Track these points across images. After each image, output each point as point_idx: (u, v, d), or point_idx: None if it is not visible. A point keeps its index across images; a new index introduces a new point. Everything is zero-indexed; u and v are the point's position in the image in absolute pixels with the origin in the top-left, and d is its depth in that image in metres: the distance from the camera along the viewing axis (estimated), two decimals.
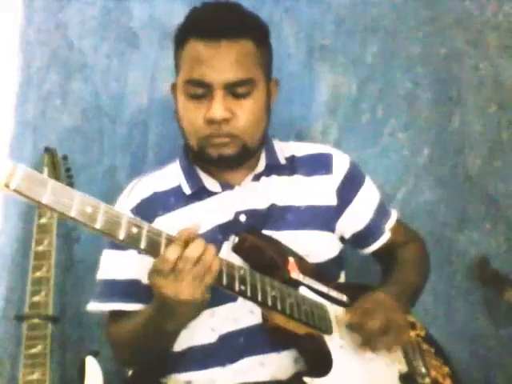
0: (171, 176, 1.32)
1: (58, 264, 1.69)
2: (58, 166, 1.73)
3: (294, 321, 1.14)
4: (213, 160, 1.23)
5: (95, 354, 1.53)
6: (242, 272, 1.07)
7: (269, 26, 1.30)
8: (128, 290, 1.25)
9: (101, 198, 0.94)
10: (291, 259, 1.21)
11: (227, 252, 1.19)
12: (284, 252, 1.22)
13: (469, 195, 1.74)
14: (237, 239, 1.19)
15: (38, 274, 1.63)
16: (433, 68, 1.76)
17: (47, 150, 1.74)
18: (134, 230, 0.96)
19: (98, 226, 0.92)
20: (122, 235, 0.94)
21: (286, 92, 1.62)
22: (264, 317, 1.16)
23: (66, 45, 1.83)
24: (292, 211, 1.28)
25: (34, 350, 1.57)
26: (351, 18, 1.78)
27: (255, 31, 1.25)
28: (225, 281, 1.04)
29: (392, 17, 1.78)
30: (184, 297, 1.00)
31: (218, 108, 1.18)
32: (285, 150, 1.35)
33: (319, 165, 1.34)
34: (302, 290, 1.19)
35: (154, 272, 1.01)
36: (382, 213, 1.40)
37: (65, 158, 1.75)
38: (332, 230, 1.31)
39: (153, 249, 0.98)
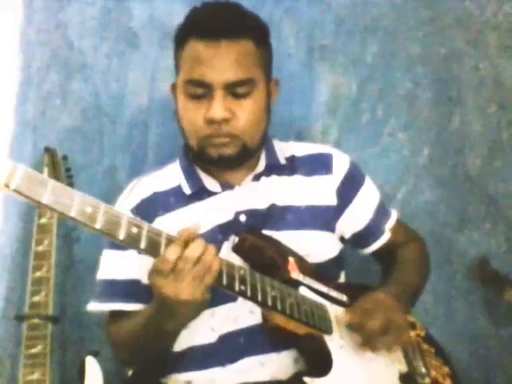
0: (171, 176, 1.32)
1: (58, 264, 1.69)
2: (58, 166, 1.73)
3: (294, 321, 1.14)
4: (213, 160, 1.23)
5: (95, 354, 1.53)
6: (242, 272, 1.07)
7: (269, 26, 1.29)
8: (128, 290, 1.25)
9: (101, 198, 0.94)
10: (291, 259, 1.21)
11: (227, 252, 1.19)
12: (284, 252, 1.22)
13: (469, 195, 1.74)
14: (237, 239, 1.19)
15: (38, 274, 1.62)
16: (433, 68, 1.76)
17: (47, 149, 1.73)
18: (134, 230, 0.96)
19: (98, 226, 0.92)
20: (122, 235, 0.94)
21: (286, 92, 1.62)
22: (264, 317, 1.16)
23: (66, 45, 1.83)
24: (292, 211, 1.28)
25: (33, 350, 1.57)
26: (351, 18, 1.78)
27: (255, 31, 1.25)
28: (225, 281, 1.04)
29: (392, 17, 1.78)
30: (184, 297, 1.00)
31: (218, 108, 1.18)
32: (285, 150, 1.35)
33: (319, 165, 1.34)
34: (302, 290, 1.19)
35: (154, 272, 1.01)
36: (382, 213, 1.40)
37: (65, 158, 1.75)
38: (332, 230, 1.31)
39: (153, 249, 0.98)
